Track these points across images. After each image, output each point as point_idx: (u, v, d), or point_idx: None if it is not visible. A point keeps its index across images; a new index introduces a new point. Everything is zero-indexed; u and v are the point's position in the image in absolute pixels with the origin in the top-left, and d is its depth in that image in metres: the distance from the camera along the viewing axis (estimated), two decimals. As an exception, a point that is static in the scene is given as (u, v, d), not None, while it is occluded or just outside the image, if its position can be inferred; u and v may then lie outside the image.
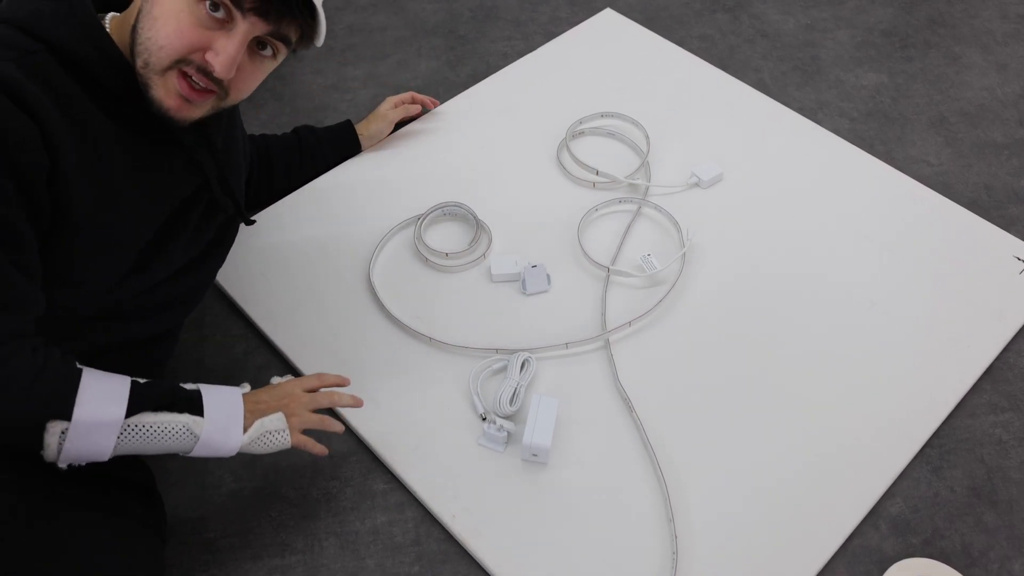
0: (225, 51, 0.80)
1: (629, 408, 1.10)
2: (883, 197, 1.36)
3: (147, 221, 0.89)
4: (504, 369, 1.13)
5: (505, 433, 1.05)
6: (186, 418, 0.83)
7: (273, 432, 0.90)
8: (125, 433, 0.80)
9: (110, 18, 0.86)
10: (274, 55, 0.86)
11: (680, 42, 1.65)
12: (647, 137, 1.42)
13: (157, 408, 0.82)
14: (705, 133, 1.46)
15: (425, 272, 1.25)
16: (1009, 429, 1.11)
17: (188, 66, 0.80)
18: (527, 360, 1.12)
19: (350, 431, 1.10)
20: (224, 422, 0.86)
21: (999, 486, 1.06)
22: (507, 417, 1.07)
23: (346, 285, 1.23)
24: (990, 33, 1.72)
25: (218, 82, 0.82)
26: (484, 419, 1.07)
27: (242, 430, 0.87)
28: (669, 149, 1.43)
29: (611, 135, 1.45)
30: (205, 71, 0.81)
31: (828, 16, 1.76)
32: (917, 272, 1.25)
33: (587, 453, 1.06)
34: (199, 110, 0.84)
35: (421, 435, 1.08)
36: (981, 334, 1.18)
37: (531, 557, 0.97)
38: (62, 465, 0.79)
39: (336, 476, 1.07)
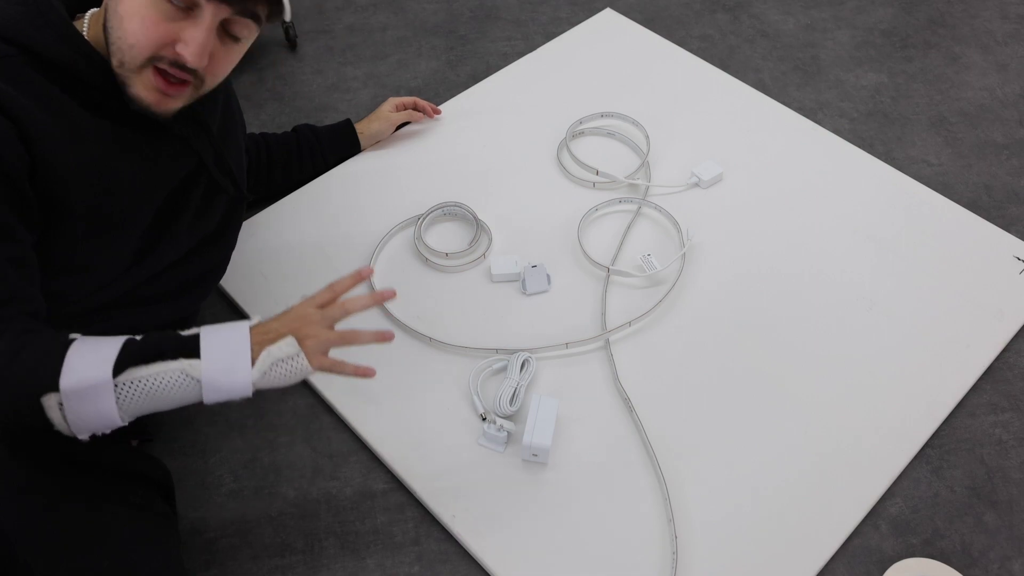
0: (194, 40, 0.79)
1: (629, 408, 1.10)
2: (883, 197, 1.36)
3: (144, 205, 0.90)
4: (504, 369, 1.13)
5: (505, 433, 1.05)
6: (180, 363, 0.76)
7: (285, 360, 0.79)
8: (123, 392, 0.75)
9: (89, 15, 0.86)
10: (246, 35, 0.86)
11: (680, 42, 1.65)
12: (647, 137, 1.42)
13: (146, 360, 0.75)
14: (705, 133, 1.46)
15: (425, 272, 1.25)
16: (1009, 429, 1.11)
17: (161, 62, 0.81)
18: (527, 360, 1.12)
19: (350, 431, 1.10)
20: (226, 360, 0.77)
21: (999, 486, 1.06)
22: (507, 417, 1.07)
23: (346, 285, 1.23)
24: (990, 33, 1.72)
25: (192, 71, 0.82)
26: (484, 419, 1.07)
27: (249, 365, 0.77)
28: (669, 149, 1.43)
29: (611, 135, 1.45)
30: (178, 63, 0.81)
31: (828, 16, 1.76)
32: (917, 272, 1.25)
33: (587, 453, 1.06)
34: (178, 101, 0.85)
35: (421, 435, 1.08)
36: (981, 334, 1.18)
37: (531, 557, 0.97)
38: (82, 436, 0.76)
39: (336, 476, 1.07)
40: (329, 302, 0.84)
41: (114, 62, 0.81)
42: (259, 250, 1.27)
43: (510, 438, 1.06)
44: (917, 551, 1.00)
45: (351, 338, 0.84)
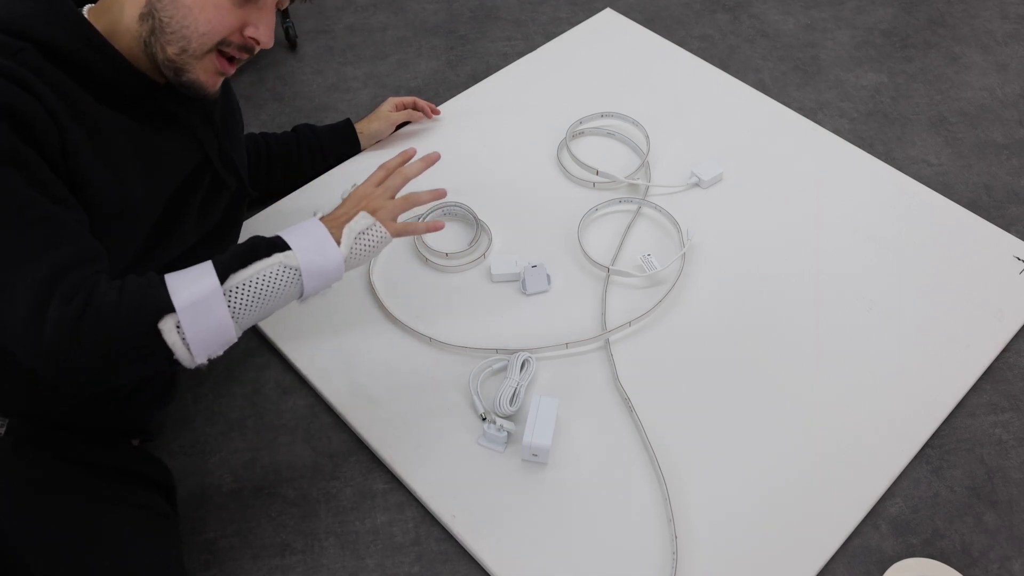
0: (266, 24, 0.86)
1: (629, 408, 1.10)
2: (883, 197, 1.36)
3: (153, 199, 0.90)
4: (504, 369, 1.13)
5: (505, 433, 1.05)
6: (277, 258, 0.82)
7: (366, 231, 0.88)
8: (232, 299, 0.79)
9: (86, 10, 0.87)
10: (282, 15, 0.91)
11: (680, 42, 1.65)
12: (647, 137, 1.42)
13: (244, 263, 0.80)
14: (705, 133, 1.46)
15: (425, 272, 1.25)
16: (1009, 429, 1.11)
17: (229, 47, 0.86)
18: (527, 360, 1.12)
19: (350, 431, 1.10)
20: (314, 245, 0.84)
21: (999, 486, 1.06)
22: (507, 417, 1.07)
23: (346, 285, 1.23)
24: (990, 33, 1.72)
25: (250, 51, 0.87)
26: (484, 419, 1.07)
27: (336, 245, 0.86)
28: (669, 149, 1.43)
29: (611, 135, 1.45)
30: (244, 47, 0.86)
31: (828, 16, 1.76)
32: (917, 272, 1.26)
33: (587, 453, 1.06)
34: (221, 80, 0.90)
35: (421, 435, 1.08)
36: (981, 334, 1.18)
37: (531, 557, 0.97)
38: (201, 361, 0.78)
39: (336, 476, 1.07)
40: (383, 180, 0.94)
41: (172, 50, 0.83)
42: (259, 250, 1.27)
43: (510, 438, 1.07)
44: (917, 551, 1.00)
45: (414, 200, 0.95)
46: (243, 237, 1.10)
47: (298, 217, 1.31)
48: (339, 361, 1.15)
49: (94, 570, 0.82)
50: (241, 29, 0.85)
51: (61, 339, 0.71)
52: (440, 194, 0.99)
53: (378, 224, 0.89)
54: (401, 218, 1.17)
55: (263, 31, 0.85)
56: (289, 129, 1.35)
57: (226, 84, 1.04)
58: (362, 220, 0.88)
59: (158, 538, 0.89)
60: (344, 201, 0.93)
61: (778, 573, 0.96)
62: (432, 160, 0.98)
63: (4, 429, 0.86)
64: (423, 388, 1.12)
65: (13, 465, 0.85)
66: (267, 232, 1.27)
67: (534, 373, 1.12)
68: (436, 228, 0.98)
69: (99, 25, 0.84)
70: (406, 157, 0.98)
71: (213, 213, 1.01)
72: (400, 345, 1.16)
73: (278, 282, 0.82)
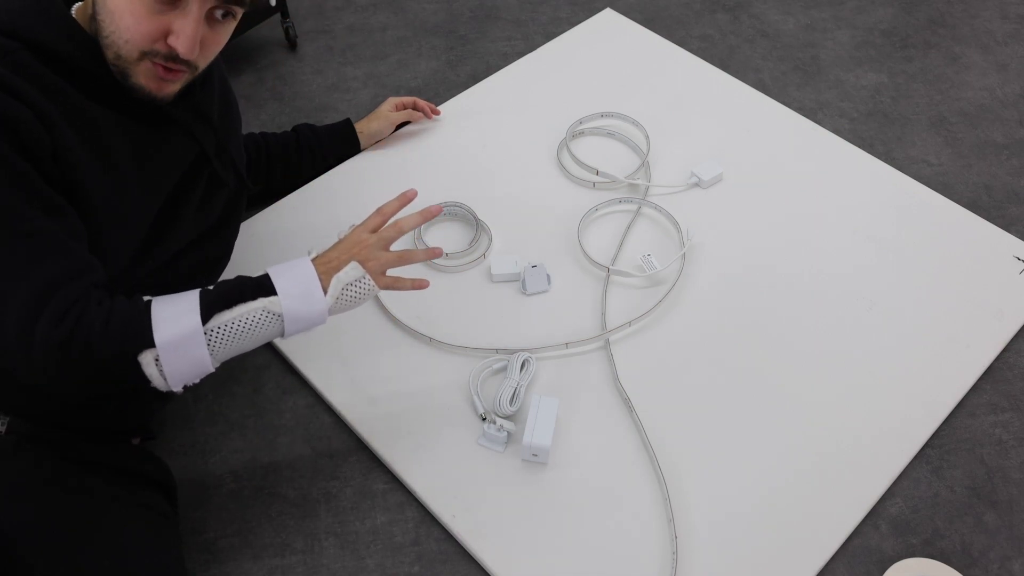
0: (184, 32, 0.80)
1: (629, 408, 1.10)
2: (883, 197, 1.36)
3: (150, 197, 0.90)
4: (504, 369, 1.13)
5: (505, 433, 1.05)
6: (261, 303, 0.82)
7: (353, 283, 0.87)
8: (213, 338, 0.80)
9: (75, 9, 0.86)
10: (233, 16, 0.86)
11: (680, 42, 1.65)
12: (647, 137, 1.42)
13: (229, 305, 0.81)
14: (705, 133, 1.46)
15: (425, 272, 1.25)
16: (1009, 429, 1.11)
17: (155, 57, 0.81)
18: (527, 360, 1.12)
19: (350, 431, 1.10)
20: (300, 292, 0.84)
21: (999, 486, 1.06)
22: (507, 417, 1.07)
23: (346, 285, 1.23)
24: (990, 33, 1.72)
25: (186, 61, 0.83)
26: (484, 419, 1.07)
27: (323, 294, 0.85)
28: (669, 149, 1.43)
29: (611, 135, 1.45)
30: (172, 56, 0.81)
31: (828, 16, 1.76)
32: (917, 272, 1.26)
33: (587, 453, 1.06)
34: (176, 85, 0.86)
35: (421, 435, 1.08)
36: (981, 334, 1.18)
37: (531, 557, 0.97)
38: (176, 389, 0.80)
39: (336, 476, 1.07)
40: (379, 226, 0.92)
41: (109, 55, 0.82)
42: (259, 251, 1.27)
43: (510, 438, 1.07)
44: (917, 551, 1.00)
45: (408, 257, 0.92)
46: (242, 238, 1.11)
47: (296, 219, 1.32)
48: (339, 361, 1.15)
49: (94, 569, 0.82)
50: (165, 36, 0.80)
51: (48, 358, 0.73)
52: (432, 213, 0.95)
53: (367, 277, 0.88)
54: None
55: (182, 40, 0.79)
56: (289, 129, 1.35)
57: (223, 78, 1.04)
58: (351, 271, 0.87)
59: (158, 538, 0.89)
60: (338, 243, 0.90)
61: (778, 573, 0.96)
62: (431, 214, 0.94)
63: (5, 427, 0.86)
64: (423, 388, 1.12)
65: (14, 463, 0.85)
66: (264, 234, 1.28)
67: (534, 373, 1.12)
68: (421, 287, 0.96)
69: (85, 23, 0.84)
70: (405, 201, 0.95)
71: (211, 211, 1.00)
72: (400, 345, 1.16)
73: (259, 325, 0.82)
